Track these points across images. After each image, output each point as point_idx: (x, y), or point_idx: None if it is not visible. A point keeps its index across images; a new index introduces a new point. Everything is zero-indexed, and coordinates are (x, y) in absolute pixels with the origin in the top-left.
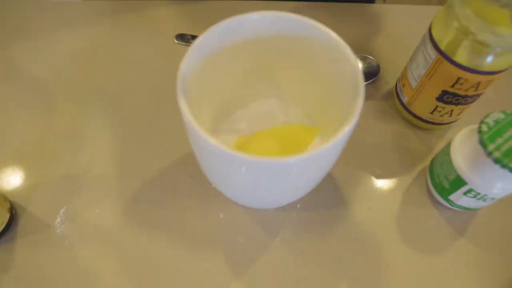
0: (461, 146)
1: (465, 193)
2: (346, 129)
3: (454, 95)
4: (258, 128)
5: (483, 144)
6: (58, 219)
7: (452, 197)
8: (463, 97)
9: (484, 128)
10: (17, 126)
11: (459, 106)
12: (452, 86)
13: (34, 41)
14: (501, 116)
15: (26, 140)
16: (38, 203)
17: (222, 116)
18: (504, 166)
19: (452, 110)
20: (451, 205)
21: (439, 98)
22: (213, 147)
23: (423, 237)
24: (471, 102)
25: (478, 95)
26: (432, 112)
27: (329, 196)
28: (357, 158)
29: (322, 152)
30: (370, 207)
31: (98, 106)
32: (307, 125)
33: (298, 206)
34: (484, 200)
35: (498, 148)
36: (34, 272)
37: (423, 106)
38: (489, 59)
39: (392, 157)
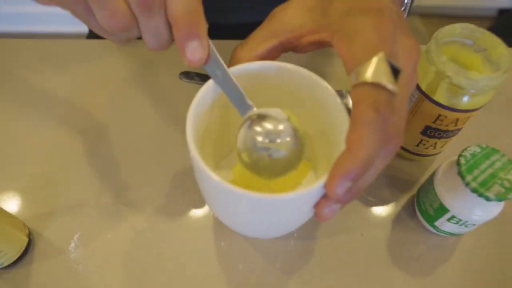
0: (443, 177)
1: (448, 220)
2: None
3: (436, 130)
4: None
5: (461, 175)
6: (72, 244)
7: (437, 223)
8: (445, 131)
9: (462, 161)
10: (33, 157)
11: (442, 140)
12: (434, 122)
13: (41, 76)
14: (477, 149)
15: (42, 170)
16: (53, 229)
17: (224, 153)
18: (480, 195)
19: (435, 143)
20: (437, 231)
21: (423, 133)
22: (215, 182)
23: (412, 261)
24: (452, 136)
25: (458, 130)
26: (417, 145)
27: (325, 224)
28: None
29: (315, 189)
30: (363, 233)
31: (108, 138)
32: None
33: (295, 235)
34: (466, 226)
35: (475, 179)
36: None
37: (410, 139)
38: (465, 99)
39: (383, 186)
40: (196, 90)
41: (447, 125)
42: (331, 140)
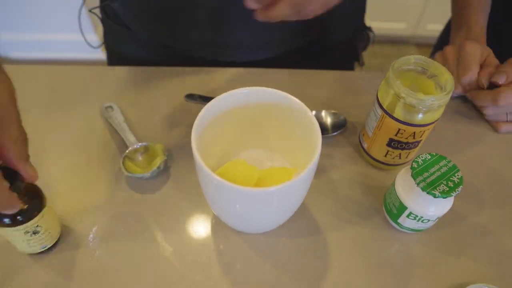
0: (401, 179)
1: (407, 216)
2: (309, 167)
3: (399, 142)
4: None
5: (413, 177)
6: (91, 235)
7: (400, 220)
8: (406, 143)
9: (415, 165)
10: (61, 171)
11: (405, 150)
12: (396, 135)
13: (58, 105)
14: (428, 156)
15: (69, 179)
16: (77, 223)
17: (220, 163)
18: (428, 193)
19: (400, 154)
20: (400, 227)
21: (388, 144)
22: (215, 179)
23: (379, 252)
24: (413, 147)
25: (418, 142)
26: (385, 155)
27: (309, 223)
28: (329, 192)
29: (293, 183)
30: (339, 229)
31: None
32: (287, 166)
33: (283, 236)
34: (422, 221)
35: (424, 180)
36: (75, 274)
37: (378, 150)
38: (419, 115)
39: (357, 191)
40: (199, 110)
41: (406, 138)
42: (308, 147)
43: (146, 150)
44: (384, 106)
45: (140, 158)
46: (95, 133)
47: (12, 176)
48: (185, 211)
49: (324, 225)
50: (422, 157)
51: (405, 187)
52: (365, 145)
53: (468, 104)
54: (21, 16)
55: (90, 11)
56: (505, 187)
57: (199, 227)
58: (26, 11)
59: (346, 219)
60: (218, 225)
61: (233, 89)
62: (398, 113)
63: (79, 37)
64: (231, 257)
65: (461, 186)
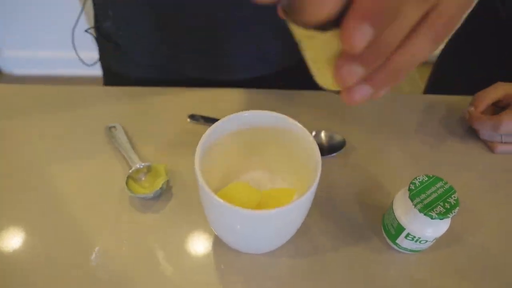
0: (399, 200)
1: (405, 237)
2: (309, 191)
3: None
4: None
5: (411, 198)
6: (94, 255)
7: (398, 240)
8: None
9: (412, 187)
10: (66, 186)
11: None
12: None
13: (63, 121)
14: (425, 178)
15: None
16: (79, 242)
17: (222, 184)
18: (425, 214)
19: None
20: (399, 248)
21: None
22: (217, 201)
23: (379, 272)
24: None
25: None
26: None
27: (309, 243)
28: (328, 212)
29: (293, 206)
30: (338, 250)
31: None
32: (287, 188)
33: (283, 257)
34: (420, 242)
35: (421, 201)
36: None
37: None
38: None
39: (356, 211)
40: (201, 130)
41: None
42: (308, 169)
43: (149, 170)
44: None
45: (143, 178)
46: (99, 152)
47: None
48: (187, 231)
49: (324, 245)
50: (419, 179)
51: (403, 208)
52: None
53: (464, 124)
54: (23, 34)
55: (86, 31)
56: (501, 208)
57: (201, 247)
58: (28, 29)
59: (345, 239)
60: (219, 245)
61: (234, 109)
62: None
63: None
64: (232, 277)
65: (457, 208)
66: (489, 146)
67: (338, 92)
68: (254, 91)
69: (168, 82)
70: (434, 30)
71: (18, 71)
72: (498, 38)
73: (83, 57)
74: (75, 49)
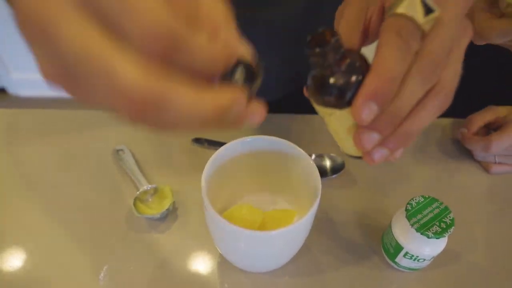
0: (397, 220)
1: (404, 255)
2: (309, 213)
3: None
4: None
5: (408, 218)
6: (102, 274)
7: (397, 259)
8: None
9: (409, 207)
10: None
11: None
12: None
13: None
14: (421, 199)
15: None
16: (88, 261)
17: (227, 206)
18: (422, 233)
19: None
20: (398, 266)
21: None
22: (222, 222)
23: None
24: None
25: None
26: None
27: (310, 263)
28: (329, 232)
29: (294, 227)
30: (339, 269)
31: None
32: (288, 209)
33: (286, 275)
34: (418, 261)
35: (418, 221)
36: None
37: None
38: None
39: (356, 231)
40: (205, 153)
41: None
42: (308, 191)
43: (155, 191)
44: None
45: (150, 200)
46: (107, 174)
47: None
48: (193, 250)
49: (325, 264)
50: (415, 199)
51: (400, 228)
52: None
53: (458, 146)
54: (30, 55)
55: None
56: (497, 227)
57: (206, 266)
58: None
59: (345, 258)
60: (223, 264)
61: (237, 133)
62: None
63: None
64: None
65: (453, 227)
66: (484, 167)
67: (360, 157)
68: None
69: None
70: (438, 100)
71: (24, 92)
72: (491, 65)
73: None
74: None
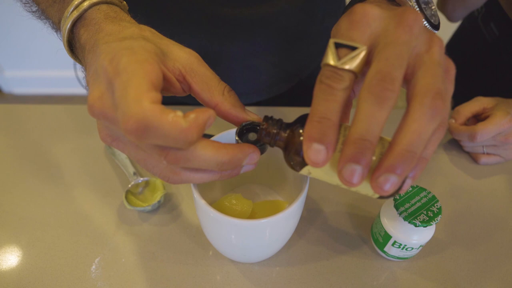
0: (386, 210)
1: (392, 245)
2: (297, 202)
3: None
4: None
5: (395, 207)
6: (94, 266)
7: (386, 249)
8: None
9: (397, 197)
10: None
11: None
12: None
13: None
14: (409, 188)
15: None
16: (80, 254)
17: (218, 197)
18: (410, 222)
19: None
20: (387, 255)
21: None
22: (212, 213)
23: (369, 280)
24: None
25: None
26: None
27: (301, 253)
28: (319, 223)
29: (283, 215)
30: (329, 259)
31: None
32: (279, 200)
33: (277, 266)
34: (407, 249)
35: (406, 210)
36: None
37: None
38: None
39: (346, 221)
40: None
41: None
42: (299, 184)
43: (147, 184)
44: None
45: (142, 192)
46: (99, 168)
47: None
48: (184, 243)
49: (316, 254)
50: None
51: (389, 217)
52: None
53: (448, 136)
54: (23, 54)
55: None
56: (483, 216)
57: (198, 258)
58: (28, 49)
59: (336, 248)
60: (215, 255)
61: (228, 126)
62: None
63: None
64: (228, 286)
65: (440, 216)
66: (473, 158)
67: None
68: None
69: (166, 104)
70: (443, 133)
71: (18, 90)
72: (480, 58)
73: (82, 76)
74: (75, 68)
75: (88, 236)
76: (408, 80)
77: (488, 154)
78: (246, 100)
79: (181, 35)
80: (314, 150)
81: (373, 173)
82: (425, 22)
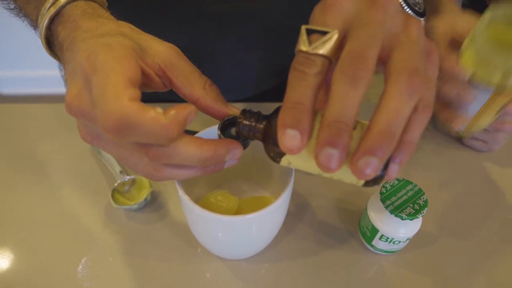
0: (372, 203)
1: (380, 238)
2: (282, 196)
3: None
4: None
5: (382, 201)
6: (81, 266)
7: (373, 242)
8: None
9: (383, 190)
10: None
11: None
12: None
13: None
14: (396, 182)
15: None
16: (66, 254)
17: (204, 194)
18: (396, 215)
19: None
20: (375, 249)
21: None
22: (197, 210)
23: (357, 274)
24: None
25: None
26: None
27: (289, 248)
28: (307, 218)
29: (269, 210)
30: (317, 253)
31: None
32: (266, 195)
33: (266, 262)
34: (394, 243)
35: (392, 203)
36: None
37: (483, 124)
38: None
39: (333, 216)
40: None
41: None
42: (285, 179)
43: (133, 182)
44: (495, 85)
45: (128, 191)
46: (85, 166)
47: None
48: (172, 241)
49: (304, 250)
50: (390, 182)
51: (376, 211)
52: (463, 128)
53: (435, 128)
54: (12, 53)
55: None
56: (470, 208)
57: (186, 256)
58: (16, 48)
59: (324, 243)
60: (204, 253)
61: (214, 123)
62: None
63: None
64: (217, 284)
65: (426, 208)
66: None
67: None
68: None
69: (154, 102)
70: (427, 115)
71: (7, 90)
72: None
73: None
74: (59, 68)
75: (75, 236)
76: (384, 62)
77: (475, 137)
78: (234, 96)
79: (169, 31)
80: (288, 136)
81: (352, 157)
82: (406, 7)
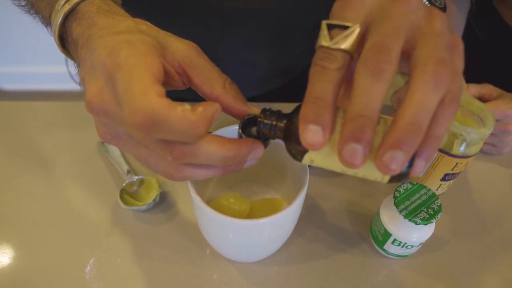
0: (385, 207)
1: (392, 242)
2: (296, 201)
3: (453, 174)
4: None
5: (396, 205)
6: (88, 267)
7: (385, 246)
8: (458, 173)
9: (397, 194)
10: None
11: (453, 180)
12: (452, 169)
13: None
14: (409, 186)
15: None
16: (74, 255)
17: (215, 195)
18: (410, 220)
19: (450, 183)
20: (387, 253)
21: (443, 179)
22: (209, 212)
23: (368, 278)
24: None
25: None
26: (436, 189)
27: (300, 251)
28: (318, 221)
29: (282, 215)
30: (328, 257)
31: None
32: (277, 198)
33: (275, 265)
34: (407, 247)
35: (406, 207)
36: None
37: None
38: (475, 146)
39: (344, 219)
40: None
41: (460, 169)
42: (297, 184)
43: (142, 183)
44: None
45: (137, 191)
46: (93, 166)
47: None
48: (181, 242)
49: (314, 253)
50: (403, 186)
51: (389, 215)
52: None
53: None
54: (12, 50)
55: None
56: (483, 212)
57: (194, 257)
58: (18, 44)
59: (335, 246)
60: (212, 254)
61: (224, 124)
62: (457, 150)
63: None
64: (225, 287)
65: (440, 213)
66: None
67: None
68: None
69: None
70: (455, 109)
71: (8, 86)
72: (473, 58)
73: (75, 72)
74: (66, 64)
75: (82, 237)
76: (409, 55)
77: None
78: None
79: (176, 28)
80: (310, 132)
81: (376, 151)
82: (426, 2)
